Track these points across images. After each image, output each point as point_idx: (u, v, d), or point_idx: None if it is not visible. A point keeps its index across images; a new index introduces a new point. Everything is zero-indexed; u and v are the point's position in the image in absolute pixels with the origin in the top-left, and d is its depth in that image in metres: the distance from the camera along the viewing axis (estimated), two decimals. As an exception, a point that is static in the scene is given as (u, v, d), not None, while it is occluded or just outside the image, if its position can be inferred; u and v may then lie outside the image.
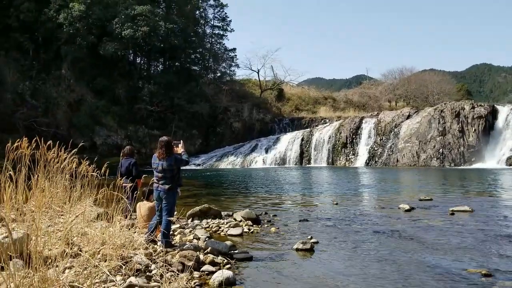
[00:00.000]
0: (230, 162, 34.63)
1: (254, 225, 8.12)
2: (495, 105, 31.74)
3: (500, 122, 29.57)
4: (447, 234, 7.20)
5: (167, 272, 4.52)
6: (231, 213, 9.21)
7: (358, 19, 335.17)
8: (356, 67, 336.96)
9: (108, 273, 4.11)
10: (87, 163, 6.56)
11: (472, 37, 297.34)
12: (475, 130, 29.17)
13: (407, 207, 10.02)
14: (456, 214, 9.30)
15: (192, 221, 8.51)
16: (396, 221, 8.51)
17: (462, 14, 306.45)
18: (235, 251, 5.96)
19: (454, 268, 5.22)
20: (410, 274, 5.01)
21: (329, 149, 34.70)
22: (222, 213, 9.13)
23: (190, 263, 4.78)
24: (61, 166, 6.31)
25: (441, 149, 29.70)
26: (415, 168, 28.74)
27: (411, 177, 22.63)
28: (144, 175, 7.77)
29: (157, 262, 4.91)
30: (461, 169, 26.78)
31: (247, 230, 7.72)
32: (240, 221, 8.33)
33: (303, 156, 35.36)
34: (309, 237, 6.94)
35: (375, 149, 32.92)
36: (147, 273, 4.63)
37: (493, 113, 29.92)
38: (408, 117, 33.49)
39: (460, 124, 29.80)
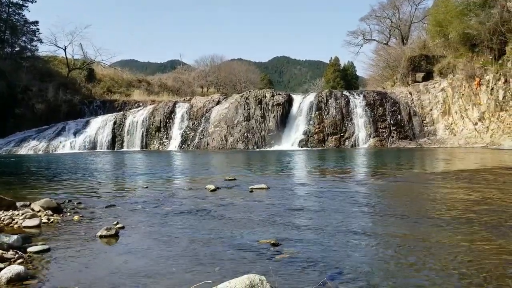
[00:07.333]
0: (31, 147, 31.19)
1: (55, 215, 7.58)
2: (291, 94, 36.29)
3: (294, 109, 33.95)
4: (246, 210, 8.01)
5: None
6: (28, 203, 8.38)
7: (174, 4, 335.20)
8: (171, 52, 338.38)
9: None
10: None
11: (273, 31, 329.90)
12: (274, 116, 32.79)
13: (212, 187, 10.71)
14: (254, 191, 10.33)
15: (-23, 215, 7.45)
16: (202, 201, 9.07)
17: (274, 7, 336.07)
18: (30, 244, 5.51)
19: (248, 240, 5.79)
20: (210, 249, 5.43)
21: (142, 133, 34.35)
22: (18, 203, 8.22)
23: (-29, 262, 4.26)
24: None
25: (246, 133, 32.51)
26: (223, 151, 30.82)
27: (219, 159, 24.18)
28: None
29: None
30: (263, 151, 29.87)
31: (46, 221, 7.18)
32: (39, 211, 7.66)
33: (116, 140, 34.23)
34: (115, 222, 6.86)
35: (188, 133, 34.01)
36: None
37: (289, 101, 34.13)
38: (218, 103, 35.52)
39: (262, 110, 33.07)
